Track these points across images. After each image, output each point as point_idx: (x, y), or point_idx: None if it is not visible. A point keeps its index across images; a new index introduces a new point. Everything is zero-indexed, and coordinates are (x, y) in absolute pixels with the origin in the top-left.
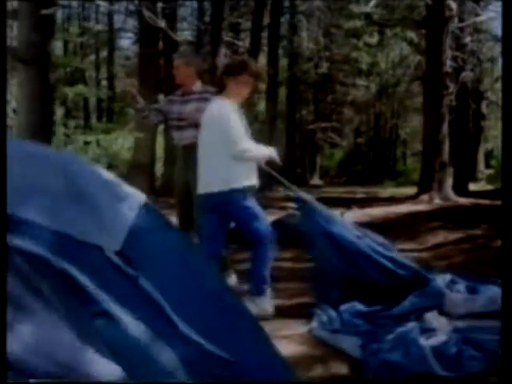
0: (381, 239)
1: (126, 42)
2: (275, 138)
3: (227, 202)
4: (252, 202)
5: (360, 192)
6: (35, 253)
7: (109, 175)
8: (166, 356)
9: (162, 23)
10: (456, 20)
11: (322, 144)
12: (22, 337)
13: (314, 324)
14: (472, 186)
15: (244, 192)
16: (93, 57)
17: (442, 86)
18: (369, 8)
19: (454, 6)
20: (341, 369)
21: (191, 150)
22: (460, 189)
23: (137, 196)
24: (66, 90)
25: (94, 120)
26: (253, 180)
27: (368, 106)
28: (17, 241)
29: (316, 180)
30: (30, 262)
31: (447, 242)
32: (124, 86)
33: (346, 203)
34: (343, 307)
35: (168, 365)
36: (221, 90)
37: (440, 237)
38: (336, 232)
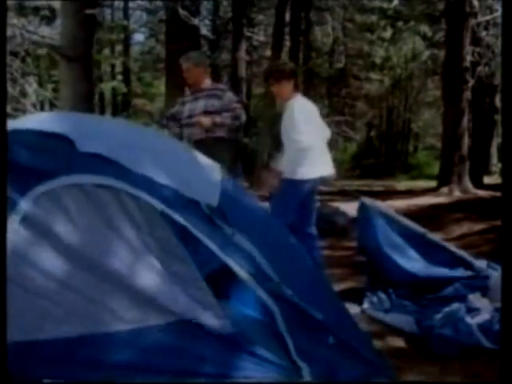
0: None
1: (141, 37)
2: None
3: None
4: None
5: (376, 185)
6: (150, 203)
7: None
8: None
9: (196, 21)
10: (479, 16)
11: (336, 138)
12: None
13: (366, 305)
14: (486, 179)
15: None
16: (107, 51)
17: (462, 81)
18: (392, 4)
19: (476, 3)
20: (397, 342)
21: (202, 144)
22: (475, 182)
23: (218, 167)
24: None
25: (108, 114)
26: None
27: (381, 99)
28: (135, 192)
29: None
30: (145, 212)
31: (472, 232)
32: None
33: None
34: (390, 290)
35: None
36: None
37: (464, 227)
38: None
